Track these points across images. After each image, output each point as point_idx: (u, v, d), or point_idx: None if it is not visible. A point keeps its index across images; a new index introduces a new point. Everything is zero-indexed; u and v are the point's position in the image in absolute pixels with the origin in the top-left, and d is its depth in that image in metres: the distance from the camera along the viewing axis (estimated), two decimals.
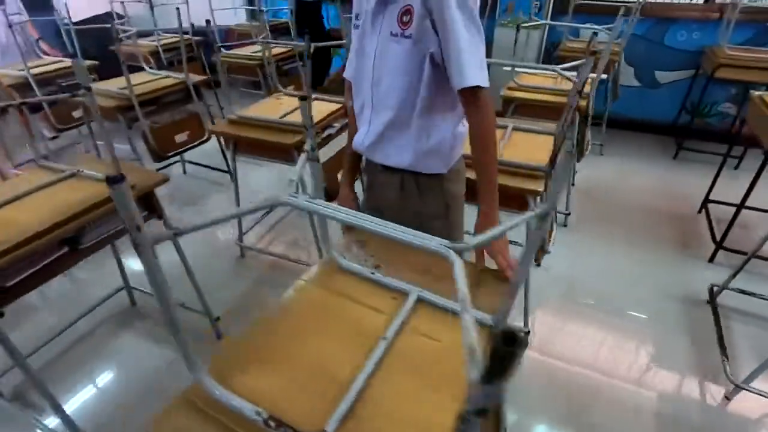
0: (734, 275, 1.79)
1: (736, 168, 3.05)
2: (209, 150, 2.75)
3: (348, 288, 0.90)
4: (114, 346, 1.74)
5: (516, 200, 1.41)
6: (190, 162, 3.04)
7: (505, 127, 1.69)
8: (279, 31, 4.19)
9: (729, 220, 2.04)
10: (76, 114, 2.76)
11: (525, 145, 1.56)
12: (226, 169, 2.90)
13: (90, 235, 1.23)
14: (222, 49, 3.25)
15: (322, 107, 1.92)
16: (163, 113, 2.37)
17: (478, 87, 0.92)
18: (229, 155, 1.93)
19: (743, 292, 1.85)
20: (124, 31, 2.31)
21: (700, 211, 2.55)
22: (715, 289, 1.89)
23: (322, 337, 0.78)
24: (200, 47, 3.75)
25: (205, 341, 1.74)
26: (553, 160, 1.34)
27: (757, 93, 1.98)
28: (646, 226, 2.47)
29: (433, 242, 0.59)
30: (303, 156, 0.75)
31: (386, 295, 0.88)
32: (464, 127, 1.08)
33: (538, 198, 1.38)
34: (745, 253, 1.77)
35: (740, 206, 1.97)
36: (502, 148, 1.51)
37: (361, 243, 1.05)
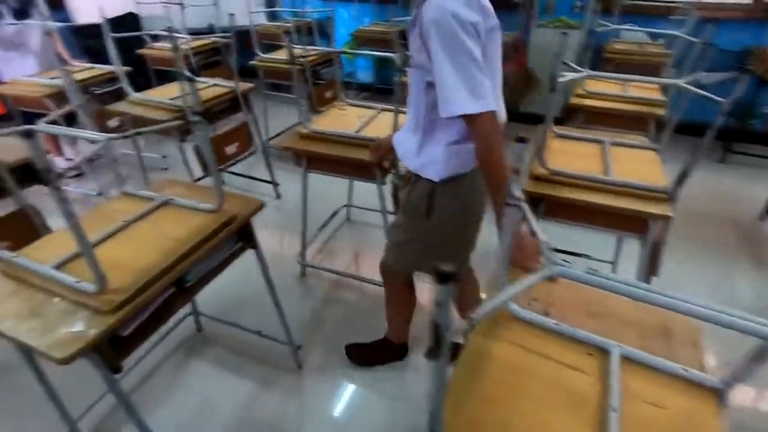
0: None
1: None
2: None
3: (531, 341, 0.81)
4: (188, 379, 1.63)
5: (634, 222, 1.33)
6: (232, 173, 2.92)
7: (601, 142, 1.61)
8: (303, 32, 4.06)
9: None
10: (112, 123, 2.63)
11: (631, 163, 1.48)
12: (269, 179, 2.79)
13: (194, 272, 1.13)
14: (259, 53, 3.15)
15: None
16: (213, 124, 2.26)
17: (468, 114, 0.97)
18: (301, 171, 1.82)
19: None
20: (171, 37, 2.17)
21: (762, 218, 2.50)
22: None
23: (535, 404, 0.69)
24: (228, 50, 3.62)
25: (284, 371, 1.65)
26: (680, 180, 1.25)
27: None
28: (709, 236, 2.41)
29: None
30: (521, 203, 0.66)
31: (579, 350, 0.80)
32: (457, 145, 1.15)
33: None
34: None
35: None
36: (611, 166, 1.43)
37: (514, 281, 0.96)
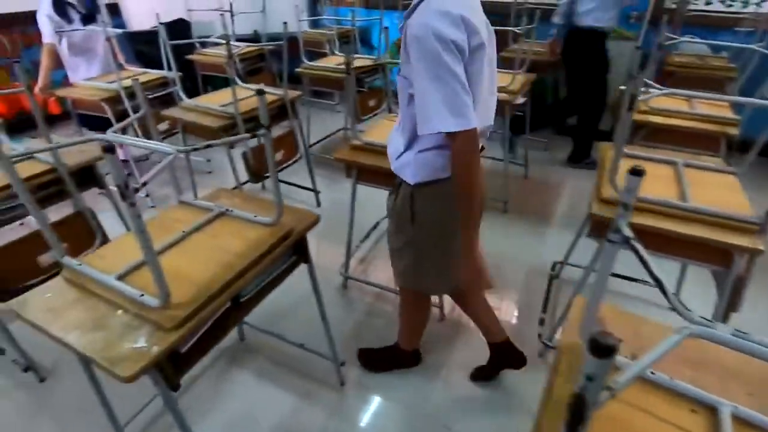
0: None
1: None
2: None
3: (628, 393, 0.73)
4: (230, 389, 1.62)
5: (717, 254, 1.23)
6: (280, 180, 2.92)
7: (674, 163, 1.50)
8: (346, 39, 4.06)
9: None
10: (161, 127, 2.68)
11: (710, 188, 1.37)
12: (309, 187, 2.78)
13: (250, 286, 1.11)
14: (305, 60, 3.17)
15: None
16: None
17: (447, 132, 0.98)
18: (341, 179, 1.79)
19: None
20: (227, 44, 2.19)
21: None
22: None
23: None
24: (273, 56, 3.66)
25: (326, 386, 1.61)
26: None
27: None
28: None
29: None
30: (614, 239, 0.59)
31: (681, 406, 0.71)
32: (429, 152, 1.14)
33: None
34: None
35: None
36: (687, 190, 1.32)
37: (600, 320, 0.88)
